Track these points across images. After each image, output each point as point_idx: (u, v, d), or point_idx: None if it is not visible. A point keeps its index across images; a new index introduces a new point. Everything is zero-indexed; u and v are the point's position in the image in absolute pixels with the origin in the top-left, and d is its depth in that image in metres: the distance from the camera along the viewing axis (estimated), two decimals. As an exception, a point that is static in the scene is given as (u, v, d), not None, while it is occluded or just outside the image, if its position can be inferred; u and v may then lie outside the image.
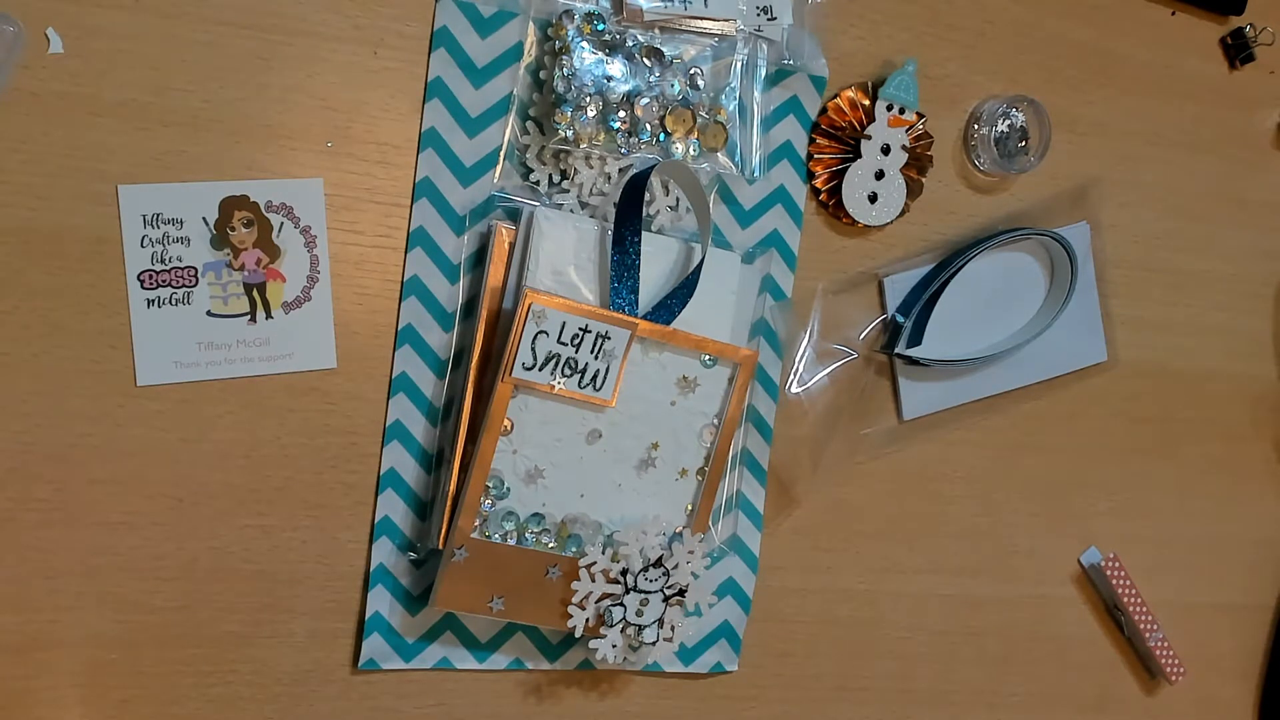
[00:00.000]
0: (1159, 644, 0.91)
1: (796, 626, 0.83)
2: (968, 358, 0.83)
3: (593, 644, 0.72)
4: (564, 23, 0.70)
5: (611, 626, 0.72)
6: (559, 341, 0.68)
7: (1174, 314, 0.92)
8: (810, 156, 0.79)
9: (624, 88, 0.71)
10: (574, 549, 0.72)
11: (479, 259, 0.72)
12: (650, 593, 0.72)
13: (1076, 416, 0.90)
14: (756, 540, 0.80)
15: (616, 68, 0.70)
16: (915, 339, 0.82)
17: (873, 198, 0.80)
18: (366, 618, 0.71)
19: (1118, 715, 0.94)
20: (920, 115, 0.80)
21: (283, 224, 0.68)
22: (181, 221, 0.66)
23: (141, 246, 0.66)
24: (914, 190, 0.81)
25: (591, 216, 0.72)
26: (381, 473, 0.71)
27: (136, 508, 0.67)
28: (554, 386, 0.69)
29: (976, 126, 0.83)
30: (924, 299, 0.81)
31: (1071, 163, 0.87)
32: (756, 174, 0.77)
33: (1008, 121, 0.83)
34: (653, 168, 0.70)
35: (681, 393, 0.73)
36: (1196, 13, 0.90)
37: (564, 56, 0.69)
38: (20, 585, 0.66)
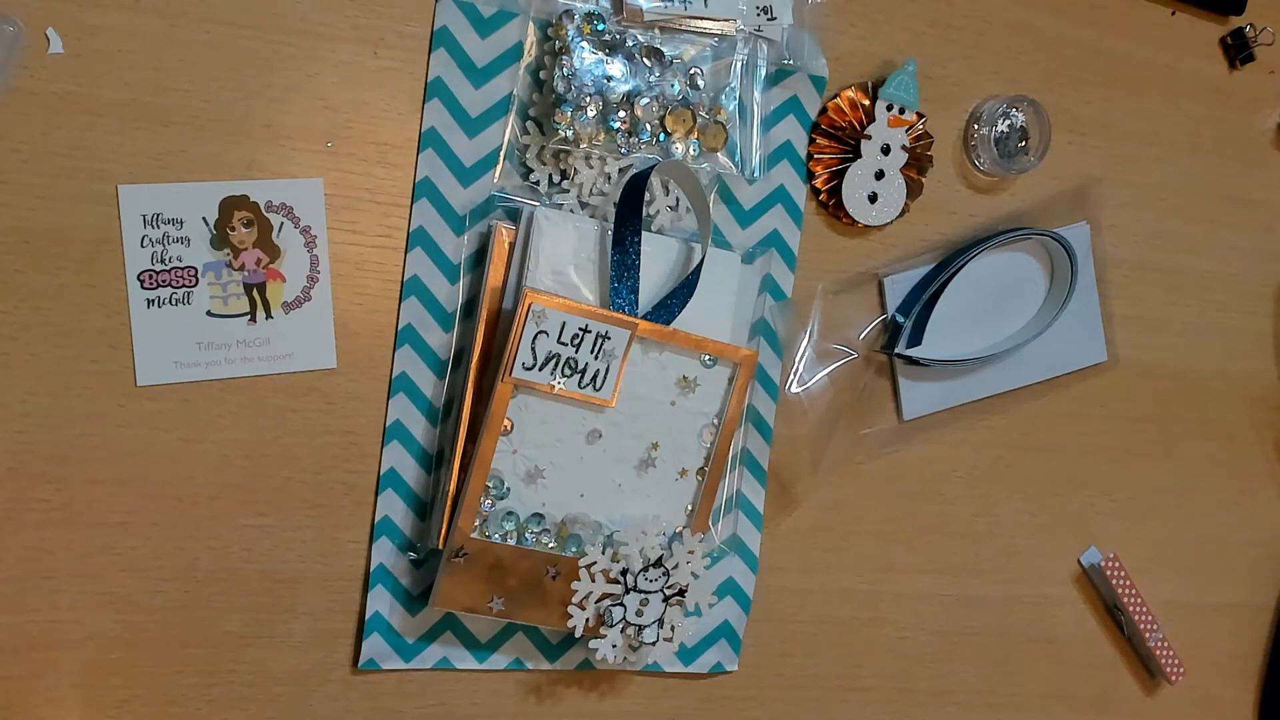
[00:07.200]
0: (1159, 644, 0.91)
1: (796, 626, 0.83)
2: (968, 358, 0.83)
3: (593, 644, 0.72)
4: (564, 23, 0.70)
5: (611, 626, 0.72)
6: (559, 341, 0.68)
7: (1174, 314, 0.92)
8: (810, 156, 0.79)
9: (624, 88, 0.71)
10: (574, 549, 0.72)
11: (479, 259, 0.72)
12: (650, 593, 0.72)
13: (1076, 416, 0.90)
14: (756, 540, 0.80)
15: (616, 68, 0.70)
16: (915, 339, 0.81)
17: (873, 198, 0.80)
18: (366, 618, 0.71)
19: (1118, 715, 0.94)
20: (920, 115, 0.80)
21: (283, 224, 0.68)
22: (181, 221, 0.66)
23: (141, 246, 0.66)
24: (914, 190, 0.81)
25: (591, 216, 0.72)
26: (381, 473, 0.71)
27: (136, 508, 0.67)
28: (554, 386, 0.69)
29: (976, 126, 0.83)
30: (924, 299, 0.81)
31: (1071, 163, 0.87)
32: (756, 174, 0.77)
33: (1008, 121, 0.83)
34: (653, 168, 0.70)
35: (681, 393, 0.73)
36: (1196, 13, 0.90)
37: (564, 56, 0.69)
38: (20, 585, 0.66)
